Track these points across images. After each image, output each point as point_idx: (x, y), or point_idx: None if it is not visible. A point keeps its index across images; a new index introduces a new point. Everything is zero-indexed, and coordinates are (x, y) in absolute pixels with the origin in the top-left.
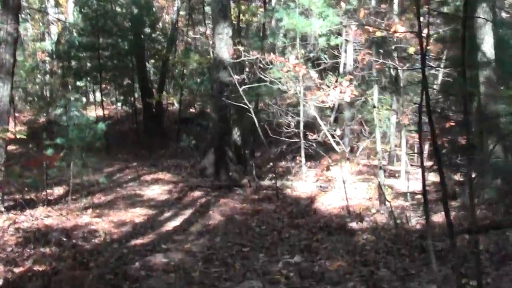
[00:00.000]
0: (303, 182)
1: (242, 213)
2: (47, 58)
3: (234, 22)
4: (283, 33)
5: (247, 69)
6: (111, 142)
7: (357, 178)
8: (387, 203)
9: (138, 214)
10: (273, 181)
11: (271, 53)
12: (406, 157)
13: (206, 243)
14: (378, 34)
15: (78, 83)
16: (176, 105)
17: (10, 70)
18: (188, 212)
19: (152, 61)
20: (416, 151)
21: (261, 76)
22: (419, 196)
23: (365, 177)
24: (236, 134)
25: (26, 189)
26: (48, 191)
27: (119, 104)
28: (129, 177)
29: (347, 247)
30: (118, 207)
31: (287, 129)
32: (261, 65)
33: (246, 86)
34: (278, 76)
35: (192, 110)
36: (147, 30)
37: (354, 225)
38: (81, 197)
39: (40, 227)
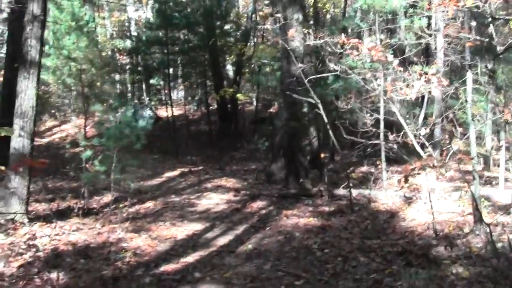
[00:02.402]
0: (383, 191)
1: (305, 230)
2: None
3: (311, 12)
4: (361, 18)
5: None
6: (181, 144)
7: (447, 186)
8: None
9: (183, 229)
10: (348, 190)
11: (342, 34)
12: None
13: (252, 271)
14: (470, 2)
15: (151, 81)
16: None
17: (36, 59)
18: (242, 228)
19: (228, 56)
20: None
21: (330, 64)
22: None
23: (457, 185)
24: (312, 134)
25: (70, 195)
26: (96, 198)
27: (195, 103)
28: (189, 183)
29: (431, 287)
30: (164, 219)
31: (364, 128)
32: (330, 49)
33: (313, 76)
34: (352, 66)
35: (272, 110)
36: (219, 23)
37: (441, 250)
38: (125, 207)
39: (59, 244)
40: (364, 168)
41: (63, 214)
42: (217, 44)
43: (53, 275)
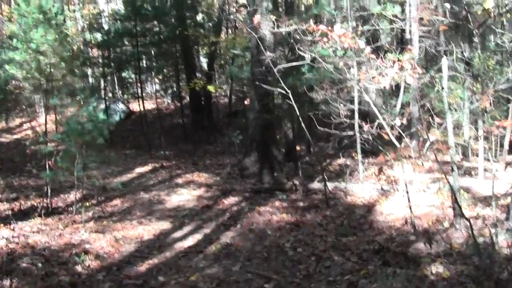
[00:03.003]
0: (360, 184)
1: (278, 227)
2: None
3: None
4: (334, 6)
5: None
6: (154, 138)
7: (426, 177)
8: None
9: (151, 228)
10: (323, 184)
11: (310, 21)
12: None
13: (220, 273)
14: None
15: (123, 74)
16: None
17: None
18: (211, 226)
19: (200, 48)
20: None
21: (300, 53)
22: (505, 202)
23: (435, 177)
24: (286, 126)
25: (34, 194)
26: (62, 196)
27: (169, 97)
28: (160, 178)
29: None
30: (131, 218)
31: (336, 118)
32: (297, 37)
33: (282, 65)
34: (323, 54)
35: (246, 102)
36: (190, 13)
37: (420, 247)
38: (92, 205)
39: (17, 248)
40: (341, 160)
41: (25, 214)
42: (188, 35)
43: (6, 282)
